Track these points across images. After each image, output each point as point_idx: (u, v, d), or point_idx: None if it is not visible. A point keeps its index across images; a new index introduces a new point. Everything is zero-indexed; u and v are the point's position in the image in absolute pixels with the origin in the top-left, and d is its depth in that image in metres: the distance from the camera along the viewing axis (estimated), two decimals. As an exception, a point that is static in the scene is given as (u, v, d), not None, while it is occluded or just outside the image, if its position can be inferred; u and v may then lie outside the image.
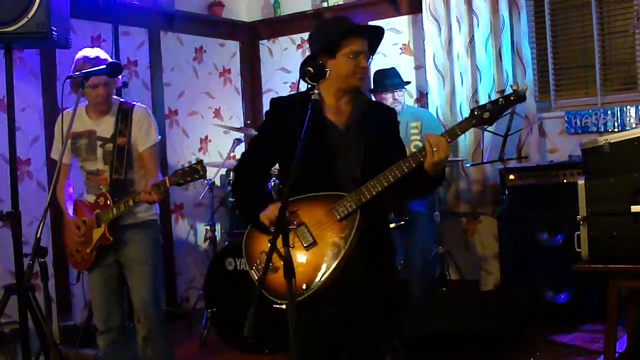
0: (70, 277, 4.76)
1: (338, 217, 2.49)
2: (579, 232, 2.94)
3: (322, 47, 2.59)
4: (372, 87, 4.96)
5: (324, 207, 2.51)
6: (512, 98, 2.41)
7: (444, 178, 2.64)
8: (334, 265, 2.43)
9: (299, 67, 2.63)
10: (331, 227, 2.49)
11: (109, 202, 3.31)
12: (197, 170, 3.08)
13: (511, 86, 2.45)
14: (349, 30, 2.58)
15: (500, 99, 2.41)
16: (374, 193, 2.46)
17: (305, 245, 2.49)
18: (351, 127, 2.62)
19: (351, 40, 2.56)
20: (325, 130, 2.58)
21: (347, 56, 2.56)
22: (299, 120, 2.53)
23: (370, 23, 5.71)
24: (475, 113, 2.43)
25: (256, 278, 2.60)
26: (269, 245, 2.51)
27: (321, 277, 2.43)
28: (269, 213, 2.52)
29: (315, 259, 2.47)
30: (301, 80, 2.52)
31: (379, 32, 2.69)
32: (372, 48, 2.69)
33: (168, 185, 3.14)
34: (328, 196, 2.53)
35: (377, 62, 5.69)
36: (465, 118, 2.47)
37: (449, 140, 2.43)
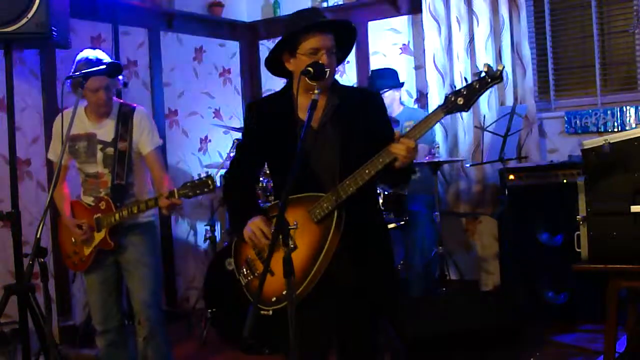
0: (70, 276, 4.75)
1: (315, 219, 2.44)
2: (579, 232, 2.93)
3: (283, 46, 2.53)
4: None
5: (303, 210, 2.46)
6: (487, 80, 2.25)
7: (413, 170, 2.57)
8: (313, 271, 2.39)
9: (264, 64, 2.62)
10: (310, 230, 2.44)
11: (110, 208, 3.30)
12: (207, 184, 3.08)
13: (484, 67, 2.28)
14: (305, 28, 2.47)
15: (475, 82, 2.27)
16: (349, 192, 2.40)
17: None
18: (325, 125, 2.54)
19: (309, 37, 2.46)
20: (298, 131, 2.48)
21: (306, 54, 2.47)
22: (274, 121, 2.54)
23: (371, 23, 5.76)
24: (451, 99, 2.30)
25: (243, 283, 2.61)
26: (253, 252, 2.57)
27: (302, 284, 2.39)
28: (248, 232, 2.51)
29: (296, 264, 2.36)
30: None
31: (344, 26, 2.55)
32: (345, 43, 2.58)
33: (177, 196, 3.13)
34: (308, 198, 2.47)
35: (378, 62, 5.71)
36: (439, 106, 2.35)
37: (424, 132, 2.34)
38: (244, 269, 2.61)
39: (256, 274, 2.56)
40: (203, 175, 3.15)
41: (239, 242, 2.65)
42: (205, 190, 3.09)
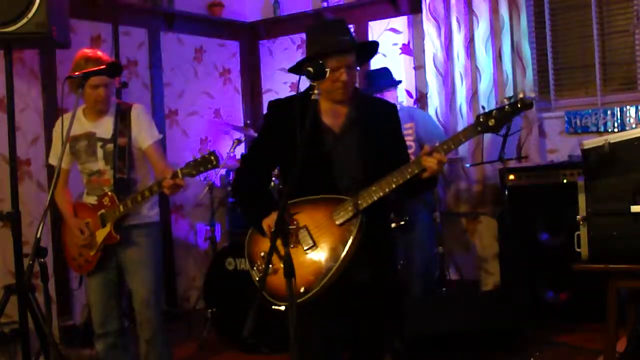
0: (71, 277, 4.76)
1: (338, 222, 2.49)
2: (579, 232, 2.94)
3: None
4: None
5: (325, 211, 2.51)
6: (518, 105, 2.35)
7: (437, 178, 2.65)
8: (333, 270, 2.43)
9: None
10: (332, 231, 2.49)
11: (115, 202, 3.28)
12: (210, 161, 2.98)
13: (519, 93, 2.38)
14: (326, 53, 2.51)
15: (507, 106, 2.36)
16: (375, 198, 2.46)
17: (305, 248, 2.50)
18: (347, 130, 2.60)
19: (331, 57, 2.50)
20: (321, 134, 2.57)
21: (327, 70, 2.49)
22: (298, 122, 2.54)
23: (371, 23, 5.75)
24: (481, 120, 2.40)
25: (257, 278, 2.62)
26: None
27: (320, 281, 2.43)
28: (271, 222, 2.51)
29: (315, 262, 2.47)
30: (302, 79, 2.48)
31: (365, 46, 2.65)
32: (363, 58, 2.67)
33: (180, 176, 3.06)
34: (330, 199, 2.52)
35: (377, 62, 5.70)
36: (470, 125, 2.44)
37: (453, 148, 2.44)
38: (259, 263, 2.62)
39: (273, 267, 2.55)
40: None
41: (252, 235, 2.67)
42: (209, 166, 2.98)
